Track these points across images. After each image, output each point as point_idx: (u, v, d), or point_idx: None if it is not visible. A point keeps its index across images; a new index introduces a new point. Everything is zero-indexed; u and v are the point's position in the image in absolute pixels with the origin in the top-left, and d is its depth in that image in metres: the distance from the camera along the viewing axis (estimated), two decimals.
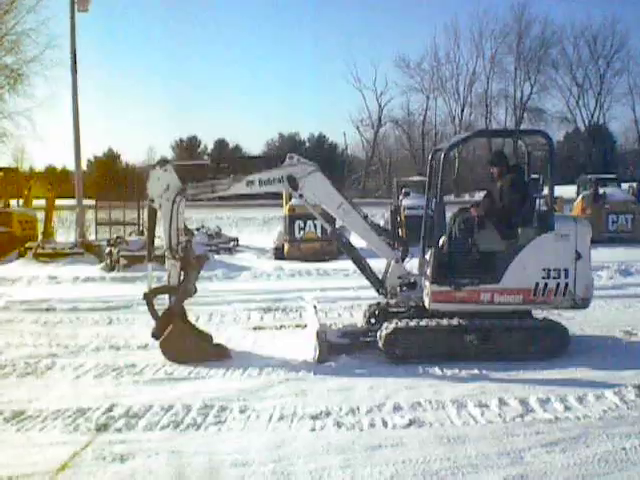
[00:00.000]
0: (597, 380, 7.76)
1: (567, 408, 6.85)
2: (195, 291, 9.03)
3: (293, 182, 8.94)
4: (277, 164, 9.09)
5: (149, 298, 9.13)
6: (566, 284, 8.70)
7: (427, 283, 8.93)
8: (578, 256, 8.67)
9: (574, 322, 10.18)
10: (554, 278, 8.68)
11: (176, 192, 8.85)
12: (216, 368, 8.49)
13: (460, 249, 9.18)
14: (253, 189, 9.10)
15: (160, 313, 9.03)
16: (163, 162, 9.05)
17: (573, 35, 70.53)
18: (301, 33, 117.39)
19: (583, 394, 7.24)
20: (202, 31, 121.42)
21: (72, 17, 24.09)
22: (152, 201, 8.93)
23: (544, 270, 8.68)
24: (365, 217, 9.21)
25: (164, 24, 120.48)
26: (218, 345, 9.09)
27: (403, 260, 9.30)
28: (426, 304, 8.95)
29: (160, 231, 9.15)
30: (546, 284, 8.69)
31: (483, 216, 9.16)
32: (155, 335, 9.03)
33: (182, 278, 9.02)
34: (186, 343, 8.85)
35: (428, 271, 8.97)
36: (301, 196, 9.10)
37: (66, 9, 24.58)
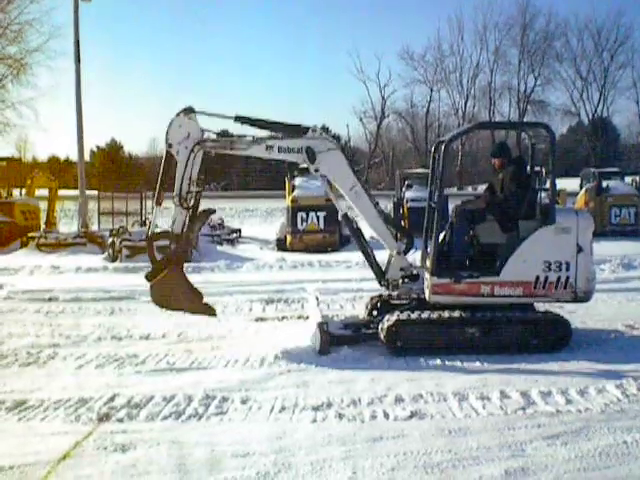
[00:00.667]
0: (599, 373, 7.75)
1: (568, 401, 6.84)
2: (196, 243, 9.07)
3: (311, 155, 8.94)
4: (300, 135, 9.10)
5: (150, 241, 9.25)
6: (567, 277, 8.68)
7: (427, 275, 8.93)
8: (579, 249, 8.65)
9: (576, 315, 10.18)
10: (555, 271, 8.67)
11: (195, 142, 8.88)
12: (217, 358, 8.50)
13: (460, 241, 9.17)
14: (271, 154, 9.16)
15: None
16: (189, 110, 8.99)
17: (577, 28, 70.15)
18: (304, 25, 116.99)
19: (585, 387, 7.23)
20: (205, 22, 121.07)
21: (75, 7, 24.12)
22: (170, 146, 8.92)
23: (545, 263, 8.66)
24: (375, 204, 9.23)
25: (167, 15, 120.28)
26: (207, 304, 9.11)
27: (407, 252, 9.30)
28: (426, 296, 8.95)
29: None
30: (547, 277, 8.67)
31: (483, 209, 9.15)
32: (148, 277, 9.03)
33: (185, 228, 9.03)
34: (177, 291, 8.86)
35: (428, 263, 8.97)
36: (316, 170, 9.09)
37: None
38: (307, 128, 9.11)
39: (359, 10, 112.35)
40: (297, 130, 9.14)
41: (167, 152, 8.97)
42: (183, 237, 8.97)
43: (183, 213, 8.95)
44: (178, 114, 8.93)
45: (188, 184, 8.88)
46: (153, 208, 9.47)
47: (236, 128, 9.15)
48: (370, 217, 9.17)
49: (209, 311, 9.00)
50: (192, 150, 8.83)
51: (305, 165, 9.12)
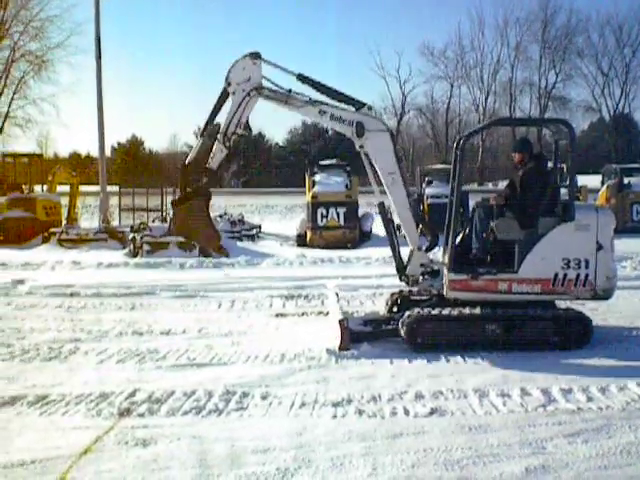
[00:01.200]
0: (620, 371, 7.70)
1: (589, 399, 6.81)
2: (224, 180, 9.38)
3: (360, 130, 9.02)
4: (355, 108, 9.23)
5: (185, 169, 9.43)
6: (586, 275, 8.61)
7: (445, 271, 8.91)
8: (599, 246, 8.58)
9: (597, 312, 10.12)
10: (574, 268, 8.60)
11: (254, 86, 9.07)
12: (238, 354, 8.52)
13: (479, 238, 9.15)
14: (322, 119, 9.29)
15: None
16: (255, 55, 9.18)
17: (599, 24, 70.07)
18: (324, 20, 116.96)
19: (606, 385, 7.18)
20: (226, 17, 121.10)
21: (96, 3, 24.18)
22: (229, 85, 9.13)
23: (563, 260, 8.60)
24: (409, 195, 9.27)
25: (187, 11, 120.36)
26: (221, 247, 9.37)
27: (431, 250, 9.30)
28: (444, 292, 8.93)
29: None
30: (565, 274, 8.61)
31: (502, 205, 9.11)
32: (174, 203, 9.42)
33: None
34: (198, 223, 9.21)
35: (446, 259, 8.95)
36: (361, 147, 9.15)
37: None
38: (364, 104, 9.25)
39: (379, 5, 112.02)
40: (354, 103, 9.26)
41: (224, 90, 9.18)
42: (217, 174, 9.32)
43: (223, 151, 9.18)
44: (244, 56, 9.14)
45: (236, 125, 9.07)
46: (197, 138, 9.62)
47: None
48: (400, 206, 9.18)
49: (221, 252, 9.33)
50: (249, 94, 9.03)
51: (350, 136, 9.17)
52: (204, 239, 9.16)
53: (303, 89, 9.23)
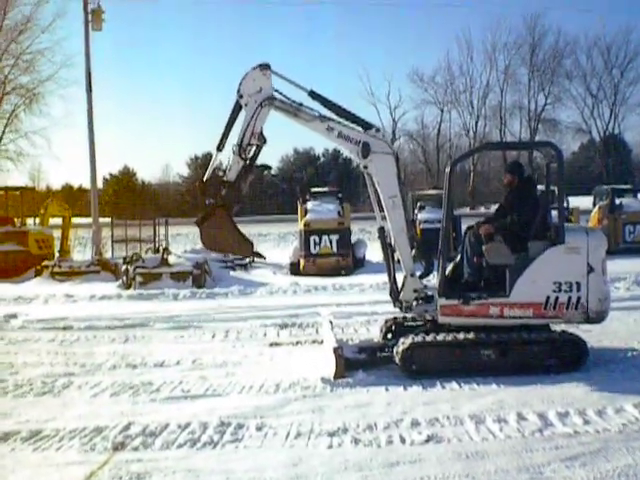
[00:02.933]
0: (616, 393, 7.67)
1: (586, 422, 6.78)
2: (246, 192, 9.40)
3: (366, 150, 9.05)
4: (363, 129, 9.26)
5: (203, 185, 9.50)
6: (578, 298, 8.60)
7: (436, 296, 8.90)
8: (590, 269, 8.57)
9: (592, 334, 10.09)
10: (565, 292, 8.59)
11: (265, 97, 9.13)
12: (232, 385, 8.48)
13: (469, 262, 9.16)
14: (329, 136, 9.30)
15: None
16: (265, 66, 9.26)
17: (587, 45, 70.03)
18: (314, 47, 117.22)
19: (602, 407, 7.16)
20: (216, 48, 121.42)
21: (86, 36, 24.40)
22: (241, 97, 9.19)
23: (555, 284, 8.58)
24: (408, 220, 9.33)
25: (178, 42, 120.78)
26: (256, 252, 9.51)
27: (426, 276, 9.30)
28: (437, 318, 8.92)
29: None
30: (557, 298, 8.60)
31: (493, 229, 9.12)
32: (197, 222, 9.44)
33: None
34: (227, 235, 9.36)
35: (436, 284, 8.94)
36: (365, 167, 9.19)
37: (81, 29, 24.93)
38: (372, 125, 9.30)
39: (368, 32, 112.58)
40: (362, 124, 9.30)
41: (237, 102, 9.24)
42: (235, 186, 9.28)
43: (240, 163, 9.21)
44: (254, 68, 9.22)
45: (250, 136, 9.13)
46: (214, 153, 9.59)
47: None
48: (397, 230, 9.18)
49: (259, 256, 9.52)
50: (261, 104, 9.10)
51: (354, 156, 9.27)
52: (237, 248, 9.29)
53: (313, 106, 9.31)
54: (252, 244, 9.50)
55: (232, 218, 9.43)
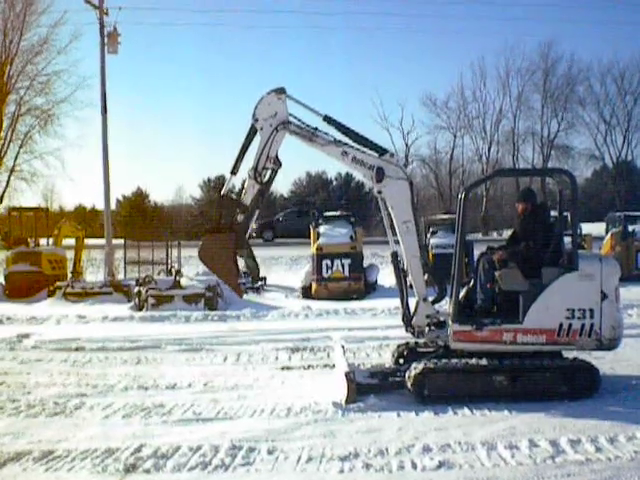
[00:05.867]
0: (628, 420, 7.65)
1: (598, 449, 6.76)
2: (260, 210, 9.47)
3: (380, 175, 9.11)
4: (378, 154, 9.30)
5: (221, 200, 9.71)
6: (591, 325, 8.59)
7: (449, 322, 8.90)
8: (604, 296, 8.57)
9: (604, 361, 10.06)
10: (579, 319, 8.58)
11: (281, 122, 9.19)
12: (244, 408, 8.48)
13: (483, 288, 9.16)
14: (344, 161, 9.35)
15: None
16: (280, 90, 9.33)
17: (600, 72, 69.90)
18: (327, 71, 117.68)
19: (614, 435, 7.14)
20: (229, 71, 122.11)
21: (102, 59, 24.61)
22: (256, 121, 9.25)
23: (568, 310, 8.58)
24: (422, 246, 9.37)
25: (192, 64, 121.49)
26: (239, 285, 9.53)
27: (439, 302, 9.30)
28: (449, 343, 8.91)
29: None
30: (570, 325, 8.59)
31: (506, 256, 9.13)
32: (206, 230, 9.74)
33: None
34: (222, 257, 9.27)
35: (450, 309, 8.95)
36: (379, 192, 9.25)
37: (96, 51, 25.16)
38: (386, 151, 9.34)
39: (381, 57, 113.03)
40: (377, 149, 9.35)
41: (252, 126, 9.30)
42: (249, 209, 9.33)
43: (255, 187, 9.28)
44: (270, 92, 9.29)
45: (265, 160, 9.20)
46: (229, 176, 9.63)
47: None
48: (411, 256, 9.21)
49: (238, 291, 9.57)
50: (276, 129, 9.16)
51: (368, 181, 9.41)
52: (224, 273, 9.31)
53: (327, 130, 9.38)
54: (239, 276, 9.67)
55: (235, 245, 9.42)
